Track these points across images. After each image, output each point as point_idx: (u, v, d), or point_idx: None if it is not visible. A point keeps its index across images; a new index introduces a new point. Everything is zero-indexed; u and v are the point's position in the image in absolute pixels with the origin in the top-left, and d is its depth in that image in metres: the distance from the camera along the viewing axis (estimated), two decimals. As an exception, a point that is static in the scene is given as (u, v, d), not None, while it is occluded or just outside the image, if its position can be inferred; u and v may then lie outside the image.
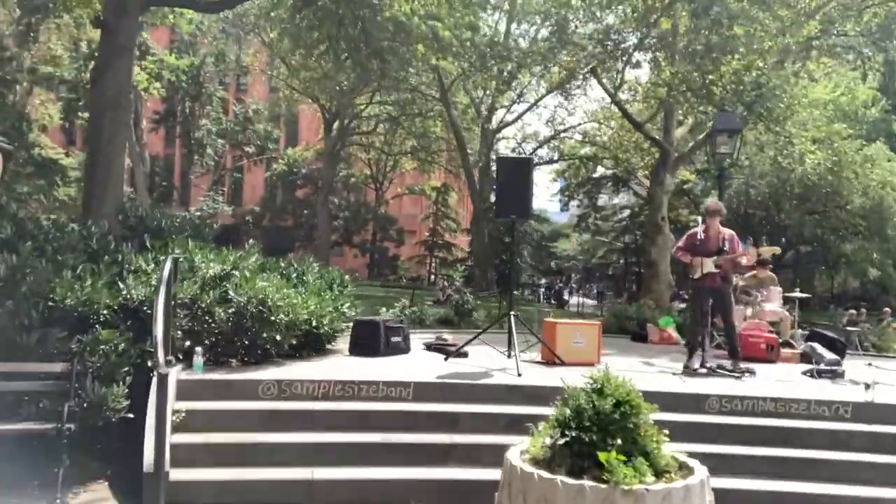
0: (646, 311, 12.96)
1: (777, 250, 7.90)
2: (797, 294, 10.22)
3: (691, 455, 4.17)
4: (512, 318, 7.07)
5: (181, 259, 6.15)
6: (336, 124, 39.51)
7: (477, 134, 32.88)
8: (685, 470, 3.83)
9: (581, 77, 19.57)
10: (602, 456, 3.55)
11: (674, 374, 7.15)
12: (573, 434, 3.75)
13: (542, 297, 34.69)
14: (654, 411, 3.85)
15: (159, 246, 6.48)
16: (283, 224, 49.06)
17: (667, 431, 3.88)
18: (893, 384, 7.24)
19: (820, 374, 7.42)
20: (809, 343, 9.30)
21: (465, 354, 7.56)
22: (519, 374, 6.34)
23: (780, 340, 9.43)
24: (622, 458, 3.57)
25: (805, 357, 9.19)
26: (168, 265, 5.36)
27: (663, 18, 16.42)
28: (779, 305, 10.03)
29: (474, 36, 19.47)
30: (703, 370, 7.32)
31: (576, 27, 17.23)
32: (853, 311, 17.74)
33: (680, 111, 18.46)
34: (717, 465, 5.16)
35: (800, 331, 10.03)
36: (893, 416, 5.89)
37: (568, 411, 3.88)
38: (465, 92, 29.98)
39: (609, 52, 17.27)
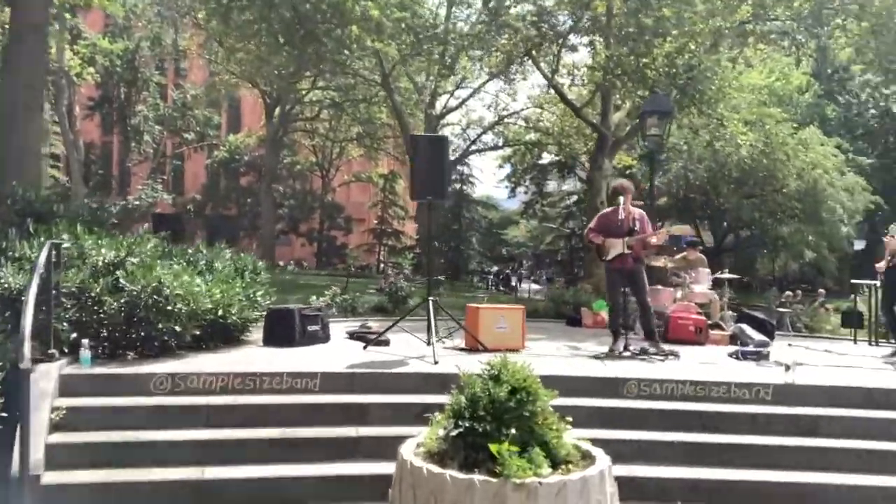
0: (581, 296, 12.85)
1: (687, 229, 7.80)
2: (726, 275, 10.18)
3: (607, 442, 3.98)
4: (431, 304, 6.78)
5: (67, 245, 5.69)
6: (277, 110, 38.73)
7: (421, 120, 32.51)
8: (588, 459, 3.60)
9: (519, 61, 19.33)
10: (493, 447, 3.30)
11: (597, 357, 6.97)
12: (467, 424, 3.49)
13: (490, 283, 34.50)
14: (554, 398, 3.61)
15: (44, 230, 5.99)
16: (226, 213, 47.99)
17: (570, 419, 3.66)
18: (817, 364, 7.23)
19: (745, 355, 7.35)
20: (738, 325, 9.27)
21: (385, 342, 7.27)
22: (435, 362, 6.06)
23: (710, 322, 9.38)
24: (516, 448, 3.32)
25: (734, 339, 9.13)
26: (45, 251, 4.94)
27: (597, 1, 16.26)
28: (708, 287, 9.98)
29: (411, 18, 19.05)
30: (627, 353, 7.17)
31: (509, 8, 16.95)
32: (789, 293, 18.01)
33: (617, 95, 18.40)
34: (634, 451, 5.03)
35: (730, 312, 10.01)
36: (813, 398, 5.79)
37: (463, 400, 3.62)
38: (408, 77, 29.54)
39: (544, 34, 17.05)
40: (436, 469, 3.36)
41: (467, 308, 7.54)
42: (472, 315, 7.22)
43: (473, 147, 35.39)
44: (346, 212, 48.53)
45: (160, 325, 5.71)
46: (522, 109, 31.46)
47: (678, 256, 10.60)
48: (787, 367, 5.89)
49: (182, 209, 49.14)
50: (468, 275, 37.71)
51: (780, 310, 11.88)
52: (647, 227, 7.55)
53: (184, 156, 51.60)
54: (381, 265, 47.74)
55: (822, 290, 17.72)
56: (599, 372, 6.06)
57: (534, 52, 18.07)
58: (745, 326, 9.11)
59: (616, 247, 7.39)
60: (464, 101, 33.13)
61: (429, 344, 6.58)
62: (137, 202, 45.42)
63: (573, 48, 18.59)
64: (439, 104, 32.94)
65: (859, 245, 28.31)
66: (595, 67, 17.53)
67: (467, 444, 3.48)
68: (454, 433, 3.53)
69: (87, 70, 37.20)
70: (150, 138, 46.17)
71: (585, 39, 17.95)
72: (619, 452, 3.80)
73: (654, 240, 7.57)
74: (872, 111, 29.67)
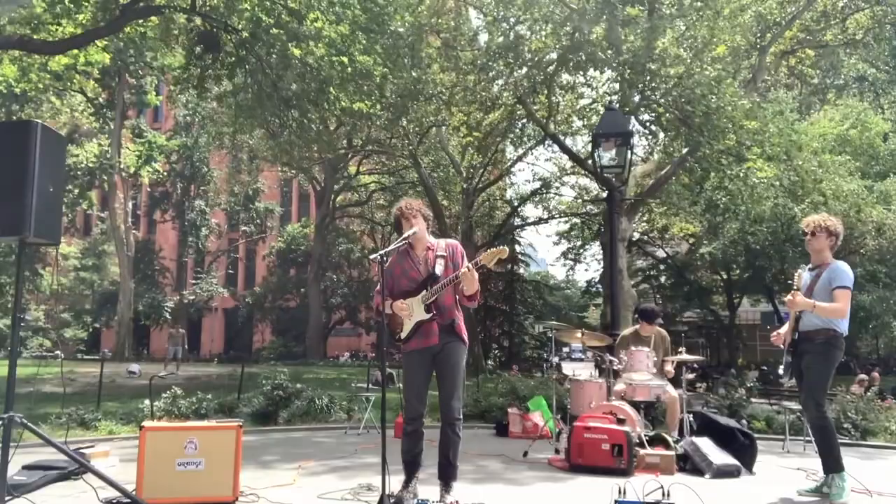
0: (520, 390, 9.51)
1: (504, 252, 4.14)
2: (684, 356, 6.61)
3: None
4: (10, 426, 3.86)
5: None
6: (326, 196, 37.68)
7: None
8: None
9: (513, 109, 16.47)
10: None
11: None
12: None
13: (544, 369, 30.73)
14: None
15: None
16: (286, 305, 46.64)
17: None
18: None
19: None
20: (692, 439, 5.82)
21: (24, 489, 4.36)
22: None
23: (649, 435, 5.93)
24: None
25: (685, 460, 5.70)
26: None
27: (595, 26, 13.38)
28: (657, 376, 6.46)
29: (395, 72, 16.84)
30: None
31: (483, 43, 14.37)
32: (863, 377, 13.80)
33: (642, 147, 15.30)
34: None
35: (689, 416, 6.42)
36: None
37: None
38: (444, 151, 27.58)
39: (532, 77, 14.30)
40: None
41: (142, 428, 4.52)
42: (141, 442, 4.24)
43: (517, 221, 32.50)
44: (403, 297, 46.28)
45: None
46: (564, 174, 28.49)
47: (627, 332, 7.21)
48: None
49: (242, 303, 48.37)
50: (526, 361, 34.00)
51: (788, 405, 7.98)
52: (461, 264, 4.40)
53: (247, 249, 51.46)
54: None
55: (874, 374, 13.29)
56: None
57: (524, 98, 15.28)
58: (701, 441, 5.69)
59: (412, 312, 4.34)
60: (502, 173, 30.62)
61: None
62: (192, 297, 45.06)
63: (569, 87, 15.68)
64: (477, 178, 30.54)
65: None
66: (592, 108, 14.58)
67: None
68: None
69: (145, 168, 37.64)
70: (207, 232, 46.13)
71: (580, 77, 15.00)
72: None
73: (467, 288, 4.22)
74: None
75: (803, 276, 5.04)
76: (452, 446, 4.29)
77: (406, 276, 4.41)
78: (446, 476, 4.30)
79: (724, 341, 34.42)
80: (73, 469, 4.94)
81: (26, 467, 4.94)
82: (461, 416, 4.34)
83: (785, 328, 5.07)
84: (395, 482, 4.29)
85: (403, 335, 4.41)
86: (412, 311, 4.35)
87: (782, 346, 4.98)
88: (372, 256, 4.35)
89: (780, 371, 4.96)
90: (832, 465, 4.71)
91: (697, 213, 20.27)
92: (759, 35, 15.31)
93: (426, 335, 4.35)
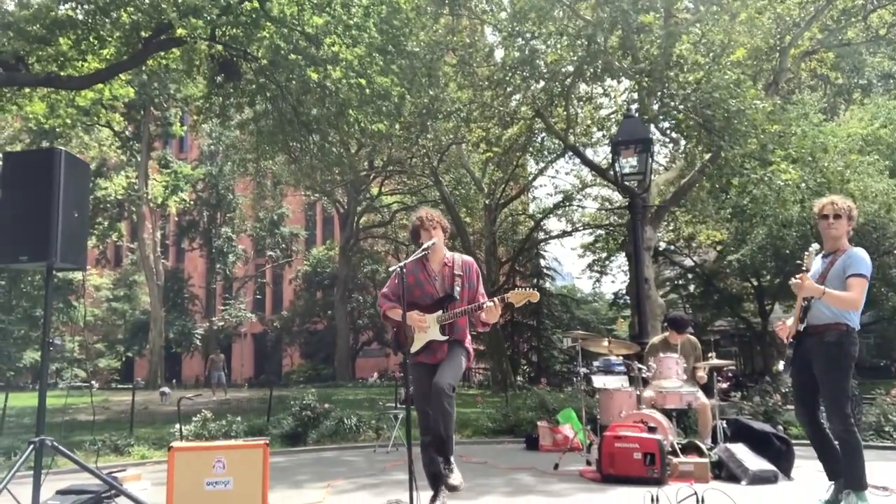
0: (547, 401, 9.40)
1: (535, 296, 4.04)
2: (714, 361, 6.49)
3: None
4: (41, 450, 3.89)
5: None
6: (349, 218, 37.89)
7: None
8: None
9: (531, 123, 16.48)
10: None
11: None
12: None
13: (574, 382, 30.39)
14: None
15: None
16: (313, 328, 46.86)
17: None
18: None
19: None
20: (726, 445, 5.70)
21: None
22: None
23: (682, 443, 5.83)
24: None
25: (720, 467, 5.59)
26: None
27: (610, 36, 13.38)
28: (688, 383, 6.35)
29: (413, 92, 16.96)
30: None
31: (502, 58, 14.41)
32: (905, 380, 13.44)
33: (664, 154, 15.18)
34: None
35: (723, 423, 6.29)
36: None
37: None
38: (463, 166, 27.68)
39: (545, 88, 14.31)
40: None
41: (170, 449, 4.55)
42: (170, 462, 4.26)
43: (541, 235, 32.37)
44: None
45: None
46: (585, 186, 28.32)
47: (656, 339, 7.13)
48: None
49: (270, 327, 48.71)
50: (555, 376, 33.72)
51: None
52: (477, 286, 4.39)
53: (274, 273, 51.90)
54: (471, 371, 44.62)
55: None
56: None
57: (543, 113, 15.29)
58: (736, 448, 5.57)
59: (423, 329, 4.30)
60: (523, 188, 30.58)
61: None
62: (221, 323, 45.45)
63: (587, 98, 15.66)
64: (498, 192, 30.53)
65: None
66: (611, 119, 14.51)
67: None
68: None
69: (172, 198, 38.20)
70: (234, 258, 46.60)
71: (598, 88, 14.99)
72: None
73: (484, 315, 4.20)
74: None
75: (816, 260, 4.57)
76: (443, 417, 4.05)
77: (420, 288, 4.36)
78: (443, 451, 4.13)
79: (757, 349, 33.86)
80: (105, 493, 4.98)
81: (60, 492, 4.99)
82: (452, 393, 4.12)
83: (791, 319, 4.58)
84: (424, 498, 4.26)
85: (413, 349, 4.35)
86: (423, 328, 4.30)
87: (786, 340, 4.51)
88: (391, 268, 4.33)
89: (781, 367, 4.72)
90: (854, 482, 4.19)
91: (724, 219, 20.03)
92: (778, 37, 15.17)
93: (434, 352, 4.33)
